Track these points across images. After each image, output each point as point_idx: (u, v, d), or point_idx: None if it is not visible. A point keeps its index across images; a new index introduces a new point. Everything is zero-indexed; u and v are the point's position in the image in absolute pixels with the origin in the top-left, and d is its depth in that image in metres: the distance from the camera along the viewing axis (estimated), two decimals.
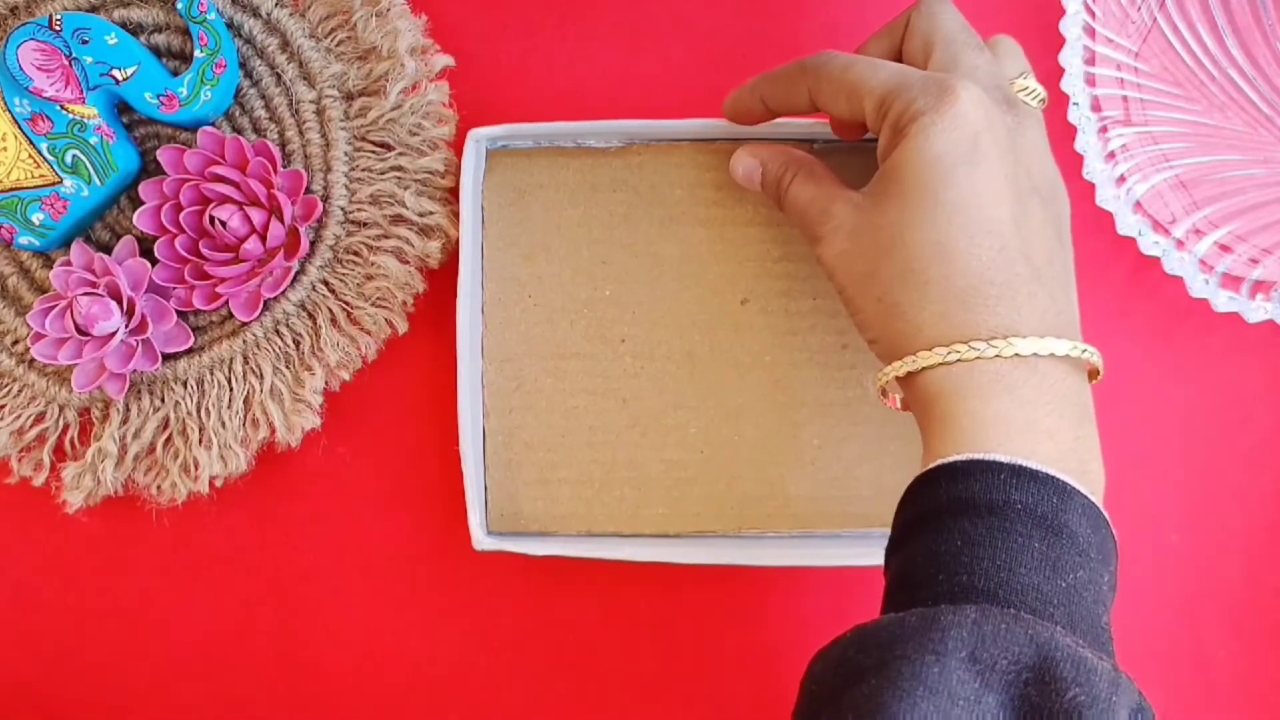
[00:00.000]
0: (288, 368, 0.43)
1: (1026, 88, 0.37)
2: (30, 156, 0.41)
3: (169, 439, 0.43)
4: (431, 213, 0.43)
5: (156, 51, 0.43)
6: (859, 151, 0.43)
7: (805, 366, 0.43)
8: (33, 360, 0.43)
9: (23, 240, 0.41)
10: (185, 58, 0.43)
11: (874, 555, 0.41)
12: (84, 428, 0.44)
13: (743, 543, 0.43)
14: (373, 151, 0.43)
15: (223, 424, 0.43)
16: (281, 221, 0.41)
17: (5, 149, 0.40)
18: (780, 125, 0.41)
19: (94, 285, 0.41)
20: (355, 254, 0.43)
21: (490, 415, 0.43)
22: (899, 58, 0.38)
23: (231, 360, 0.43)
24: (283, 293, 0.42)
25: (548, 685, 0.45)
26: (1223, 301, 0.41)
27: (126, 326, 0.41)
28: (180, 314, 0.42)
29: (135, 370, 0.42)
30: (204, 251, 0.42)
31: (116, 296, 0.41)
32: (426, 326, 0.44)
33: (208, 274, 0.42)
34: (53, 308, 0.41)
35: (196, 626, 0.45)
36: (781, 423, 0.43)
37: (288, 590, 0.45)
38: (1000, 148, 0.34)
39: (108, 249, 0.43)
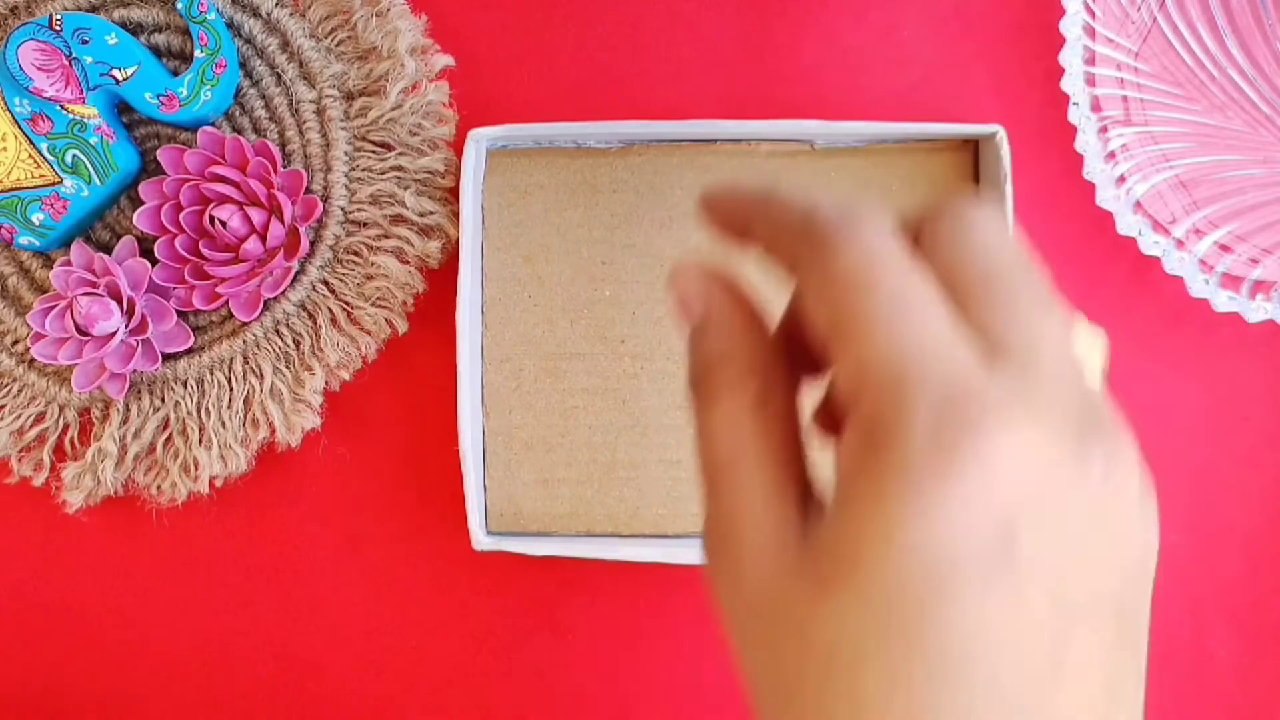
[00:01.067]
0: (288, 368, 0.43)
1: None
2: (30, 156, 0.41)
3: (169, 439, 0.43)
4: (431, 213, 0.43)
5: (156, 51, 0.43)
6: (861, 153, 0.43)
7: None
8: (33, 360, 0.43)
9: (23, 240, 0.41)
10: (185, 58, 0.43)
11: None
12: (84, 428, 0.44)
13: None
14: (373, 151, 0.43)
15: (223, 424, 0.43)
16: (281, 221, 0.41)
17: (5, 149, 0.40)
18: (779, 126, 0.41)
19: (94, 285, 0.41)
20: (355, 254, 0.43)
21: (490, 415, 0.43)
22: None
23: (231, 360, 0.43)
24: (283, 293, 0.42)
25: (548, 685, 0.45)
26: (1223, 301, 0.41)
27: (126, 326, 0.41)
28: (180, 314, 0.42)
29: (135, 370, 0.42)
30: (204, 251, 0.42)
31: (116, 296, 0.41)
32: (426, 326, 0.44)
33: (208, 274, 0.42)
34: (53, 308, 0.41)
35: (197, 626, 0.45)
36: None
37: (288, 590, 0.45)
38: (1050, 541, 0.19)
39: (108, 249, 0.43)
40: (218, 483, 0.43)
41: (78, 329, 0.41)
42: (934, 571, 0.19)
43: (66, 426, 0.44)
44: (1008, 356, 0.20)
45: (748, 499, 0.21)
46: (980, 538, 0.19)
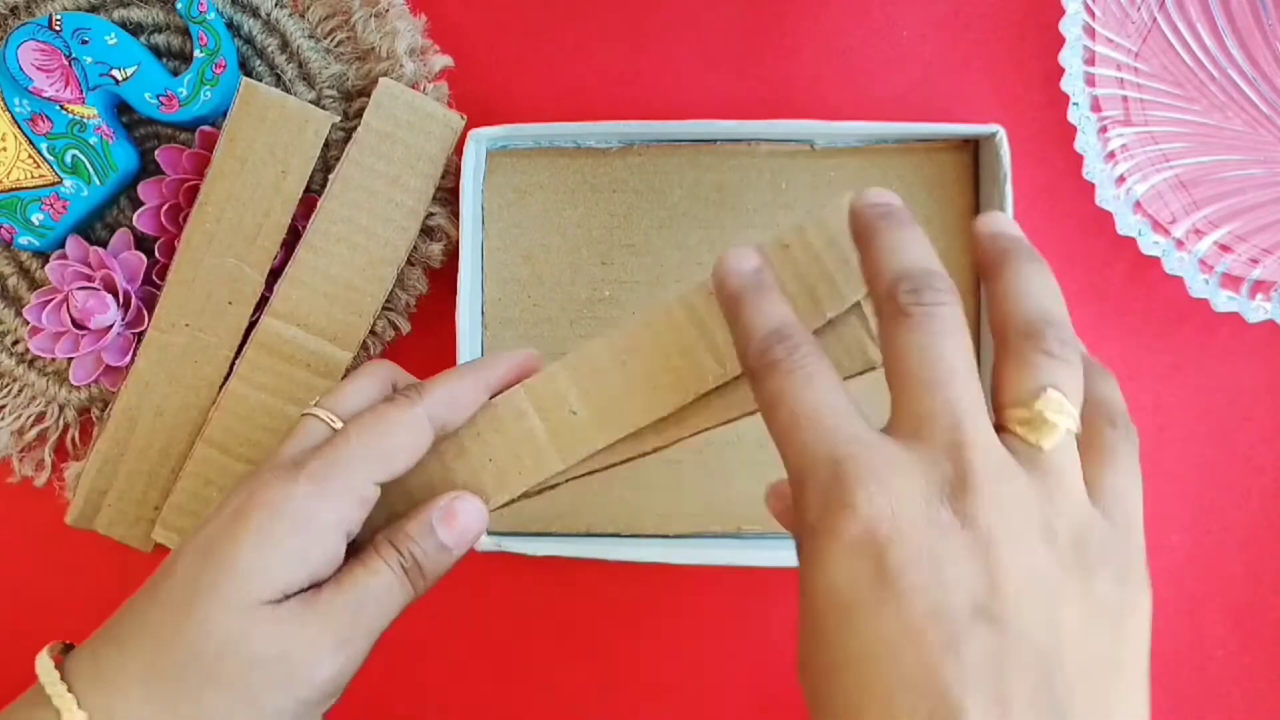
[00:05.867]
0: None
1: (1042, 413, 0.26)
2: (30, 156, 0.41)
3: None
4: (432, 213, 0.43)
5: (156, 51, 0.43)
6: (860, 153, 0.43)
7: None
8: (33, 360, 0.43)
9: (23, 240, 0.41)
10: (185, 58, 0.43)
11: None
12: (84, 427, 0.44)
13: (743, 543, 0.43)
14: None
15: None
16: None
17: (5, 149, 0.40)
18: (779, 126, 0.41)
19: (90, 279, 0.41)
20: None
21: None
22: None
23: None
24: None
25: (548, 685, 0.45)
26: (1223, 301, 0.41)
27: (123, 319, 0.41)
28: None
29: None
30: None
31: (112, 290, 0.41)
32: (426, 326, 0.44)
33: None
34: (49, 301, 0.41)
35: None
36: None
37: None
38: (920, 568, 0.24)
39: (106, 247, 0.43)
40: None
41: (74, 323, 0.41)
42: (839, 600, 0.25)
43: (67, 426, 0.44)
44: (900, 429, 0.26)
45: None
46: (863, 573, 0.25)
